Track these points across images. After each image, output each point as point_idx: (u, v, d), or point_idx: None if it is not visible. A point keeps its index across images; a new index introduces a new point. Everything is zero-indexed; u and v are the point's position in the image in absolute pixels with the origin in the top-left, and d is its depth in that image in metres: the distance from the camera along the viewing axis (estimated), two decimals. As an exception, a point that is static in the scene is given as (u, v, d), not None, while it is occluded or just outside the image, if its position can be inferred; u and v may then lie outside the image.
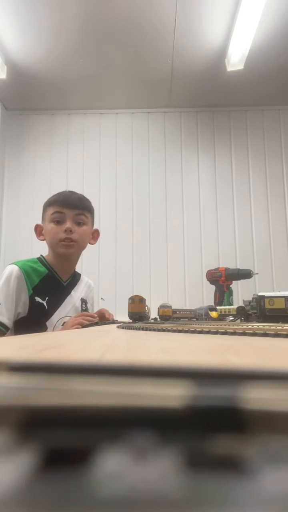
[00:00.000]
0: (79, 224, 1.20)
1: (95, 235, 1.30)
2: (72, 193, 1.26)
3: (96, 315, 1.20)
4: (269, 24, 2.03)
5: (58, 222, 1.18)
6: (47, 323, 1.17)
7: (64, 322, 1.18)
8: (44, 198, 1.28)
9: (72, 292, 1.26)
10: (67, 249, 1.19)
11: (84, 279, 1.36)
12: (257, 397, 0.10)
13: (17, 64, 2.36)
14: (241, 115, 2.88)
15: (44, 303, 1.16)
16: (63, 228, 1.17)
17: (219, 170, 2.82)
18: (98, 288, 2.67)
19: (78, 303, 1.27)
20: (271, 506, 0.07)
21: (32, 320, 1.14)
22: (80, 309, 1.27)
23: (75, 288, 1.28)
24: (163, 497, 0.07)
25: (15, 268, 1.16)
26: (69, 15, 2.00)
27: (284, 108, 2.86)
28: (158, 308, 1.20)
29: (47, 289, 1.18)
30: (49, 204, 1.22)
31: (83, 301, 1.30)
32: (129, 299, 1.06)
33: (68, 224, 1.17)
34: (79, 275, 1.35)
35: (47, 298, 1.17)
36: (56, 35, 2.15)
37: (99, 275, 2.69)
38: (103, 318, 1.22)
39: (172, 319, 1.17)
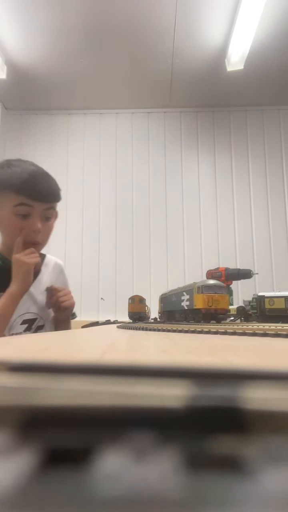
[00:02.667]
0: (46, 219, 0.98)
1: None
2: (39, 175, 0.97)
3: (69, 290, 1.04)
4: (269, 24, 2.04)
5: (24, 216, 0.94)
6: None
7: (24, 320, 0.97)
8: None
9: (32, 287, 0.99)
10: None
11: (49, 262, 1.10)
12: (257, 397, 0.10)
13: (17, 64, 2.36)
14: (241, 115, 2.88)
15: None
16: (28, 226, 0.94)
17: (219, 170, 2.82)
18: (98, 288, 2.68)
19: (41, 297, 1.03)
20: (271, 506, 0.07)
21: None
22: (43, 301, 1.03)
23: (38, 278, 1.03)
24: (163, 497, 0.07)
25: None
26: (69, 15, 2.00)
27: (284, 108, 2.86)
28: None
29: (2, 284, 0.95)
30: (14, 189, 0.92)
31: (48, 290, 1.05)
32: (129, 299, 1.06)
33: (38, 224, 0.94)
34: (43, 257, 1.08)
35: (1, 294, 0.94)
36: (56, 35, 2.15)
37: (99, 275, 2.69)
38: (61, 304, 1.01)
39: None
